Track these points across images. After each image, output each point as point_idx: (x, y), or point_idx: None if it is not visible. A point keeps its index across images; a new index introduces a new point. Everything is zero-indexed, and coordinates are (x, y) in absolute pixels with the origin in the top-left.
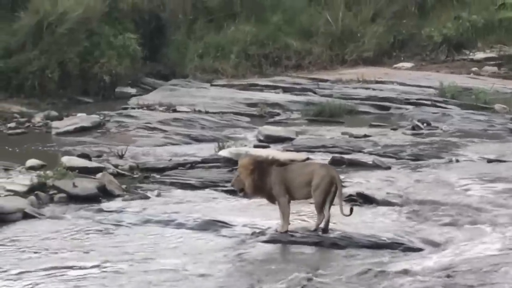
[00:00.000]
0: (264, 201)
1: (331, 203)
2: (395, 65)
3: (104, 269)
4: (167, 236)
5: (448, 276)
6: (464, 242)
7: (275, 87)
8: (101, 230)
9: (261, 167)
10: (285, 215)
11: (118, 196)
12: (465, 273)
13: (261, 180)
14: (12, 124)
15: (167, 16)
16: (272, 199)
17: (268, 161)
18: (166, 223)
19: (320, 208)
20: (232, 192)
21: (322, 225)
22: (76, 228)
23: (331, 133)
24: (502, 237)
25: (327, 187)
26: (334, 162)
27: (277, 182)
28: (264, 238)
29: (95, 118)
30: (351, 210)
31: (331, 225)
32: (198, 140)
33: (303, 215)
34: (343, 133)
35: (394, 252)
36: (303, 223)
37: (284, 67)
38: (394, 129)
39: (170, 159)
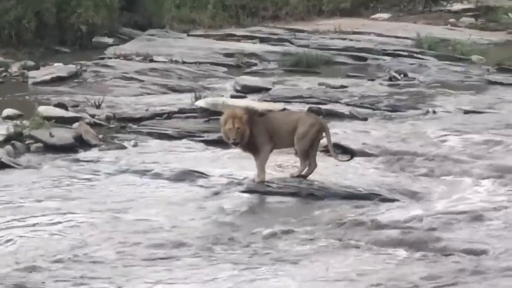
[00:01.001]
0: (240, 151)
1: (316, 151)
2: (372, 16)
3: (80, 219)
4: (144, 186)
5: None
6: (440, 193)
7: (252, 38)
8: (77, 180)
9: (251, 117)
10: (262, 165)
11: (95, 146)
12: (437, 226)
13: (250, 131)
14: None
15: None
16: (254, 150)
17: (252, 111)
18: (143, 173)
19: (306, 155)
20: (209, 143)
21: (304, 172)
22: (53, 177)
23: (308, 84)
24: (477, 189)
25: (316, 135)
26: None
27: (262, 131)
28: (240, 188)
29: (72, 68)
30: (352, 156)
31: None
32: (175, 90)
33: (279, 165)
34: (320, 84)
35: (370, 202)
36: (279, 174)
37: (261, 18)
38: (371, 80)
39: (147, 109)
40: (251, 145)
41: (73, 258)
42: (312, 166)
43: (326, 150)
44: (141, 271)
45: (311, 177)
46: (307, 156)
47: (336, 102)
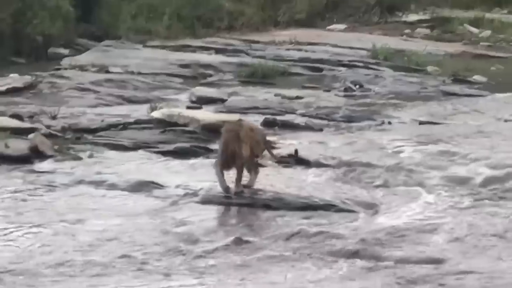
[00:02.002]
0: (196, 162)
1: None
2: (328, 27)
3: (34, 230)
4: (99, 197)
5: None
6: (395, 204)
7: (207, 48)
8: (32, 191)
9: None
10: (241, 174)
11: (51, 157)
12: (392, 237)
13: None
14: None
15: None
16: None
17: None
18: (99, 184)
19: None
20: (164, 153)
21: (247, 183)
22: (8, 188)
23: (264, 95)
24: (432, 199)
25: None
26: (267, 124)
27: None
28: (196, 199)
29: (27, 78)
30: (296, 151)
31: (263, 186)
32: (130, 101)
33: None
34: (275, 95)
35: (326, 213)
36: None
37: (217, 29)
38: (327, 91)
39: (103, 120)
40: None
41: (12, 270)
42: (251, 176)
43: (282, 161)
44: (82, 284)
45: (267, 187)
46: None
47: (292, 113)
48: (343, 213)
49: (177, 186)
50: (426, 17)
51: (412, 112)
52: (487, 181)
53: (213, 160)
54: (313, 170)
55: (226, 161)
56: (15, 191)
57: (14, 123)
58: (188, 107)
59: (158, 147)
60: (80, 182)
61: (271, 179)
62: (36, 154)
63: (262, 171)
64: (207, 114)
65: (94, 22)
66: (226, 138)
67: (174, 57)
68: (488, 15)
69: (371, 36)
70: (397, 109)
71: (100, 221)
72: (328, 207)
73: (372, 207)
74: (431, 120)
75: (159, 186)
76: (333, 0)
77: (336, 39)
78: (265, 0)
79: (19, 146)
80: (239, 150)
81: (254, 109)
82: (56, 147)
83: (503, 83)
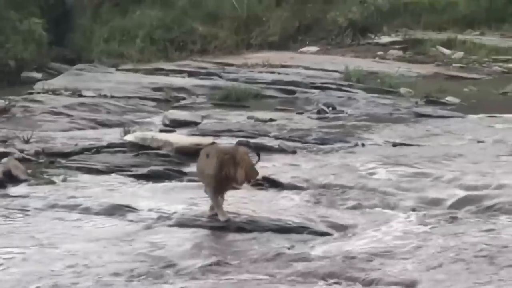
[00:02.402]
0: (169, 185)
1: None
2: (301, 49)
3: (6, 255)
4: (73, 221)
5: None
6: (368, 226)
7: (180, 72)
8: (6, 215)
9: None
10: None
11: (24, 181)
12: (366, 259)
13: None
14: None
15: (73, 0)
16: None
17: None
18: (72, 208)
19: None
20: (138, 177)
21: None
22: None
23: (237, 117)
24: (405, 221)
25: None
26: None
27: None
28: (170, 222)
29: (0, 103)
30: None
31: (237, 209)
32: (103, 124)
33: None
34: (248, 117)
35: (300, 236)
36: (203, 208)
37: (190, 52)
38: (300, 113)
39: (76, 144)
40: None
41: None
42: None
43: (255, 184)
44: None
45: (240, 210)
46: None
47: (265, 135)
48: (317, 235)
49: (151, 210)
50: (399, 39)
51: (385, 134)
52: (461, 203)
53: (188, 183)
54: (286, 193)
55: (220, 185)
56: None
57: None
58: (161, 130)
59: (131, 171)
60: (54, 206)
61: (244, 202)
62: (9, 179)
63: (235, 194)
64: (180, 137)
65: (66, 46)
66: (221, 161)
67: (147, 81)
68: (460, 37)
69: (344, 58)
70: (370, 131)
71: (73, 246)
72: (301, 229)
73: (345, 229)
74: (404, 141)
75: (132, 209)
76: (305, 23)
77: (309, 62)
78: (238, 23)
79: None
80: (234, 174)
81: (227, 132)
82: (29, 171)
83: (476, 104)
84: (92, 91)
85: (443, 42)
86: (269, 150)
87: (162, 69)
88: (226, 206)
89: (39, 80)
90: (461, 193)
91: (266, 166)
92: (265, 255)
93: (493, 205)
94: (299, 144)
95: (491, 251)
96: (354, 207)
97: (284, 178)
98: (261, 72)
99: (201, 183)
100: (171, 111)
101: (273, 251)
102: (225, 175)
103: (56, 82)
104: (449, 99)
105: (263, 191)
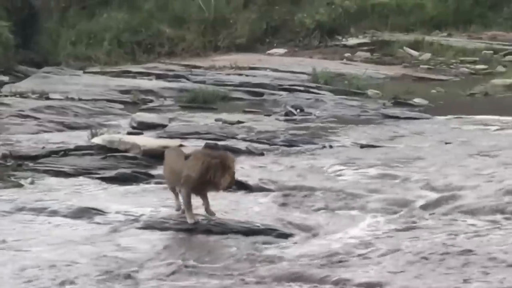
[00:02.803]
0: (137, 187)
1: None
2: (268, 52)
3: None
4: (41, 224)
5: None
6: (336, 227)
7: (148, 74)
8: None
9: None
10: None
11: None
12: (333, 260)
13: None
14: None
15: (40, 3)
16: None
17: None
18: (40, 211)
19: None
20: (106, 180)
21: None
22: None
23: (205, 120)
24: (373, 222)
25: None
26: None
27: None
28: (138, 224)
29: None
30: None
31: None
32: (71, 127)
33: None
34: (216, 120)
35: (267, 238)
36: (171, 210)
37: (157, 54)
38: (268, 115)
39: (44, 147)
40: None
41: None
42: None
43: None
44: None
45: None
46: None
47: (233, 137)
48: (285, 237)
49: (118, 212)
50: (366, 40)
51: (353, 136)
52: (428, 204)
53: (156, 186)
54: (254, 195)
55: (198, 187)
56: None
57: None
58: (129, 133)
59: (99, 173)
60: (22, 209)
61: (212, 204)
62: None
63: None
64: (148, 140)
65: (33, 49)
66: (208, 165)
67: (114, 83)
68: (427, 38)
69: (312, 60)
70: (338, 133)
71: (41, 248)
72: (269, 231)
73: (313, 231)
74: (372, 143)
75: (100, 212)
76: (273, 25)
77: (277, 64)
78: (205, 26)
79: None
80: (219, 179)
81: (195, 134)
82: None
83: (443, 105)
84: (60, 94)
85: (411, 44)
86: (237, 152)
87: (129, 72)
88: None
89: (6, 83)
90: (428, 195)
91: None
92: (233, 258)
93: (460, 206)
94: (267, 146)
95: (457, 252)
96: (321, 209)
97: (252, 180)
98: (228, 74)
99: (166, 185)
100: (138, 113)
101: (241, 254)
102: (209, 178)
103: (23, 85)
104: (417, 100)
105: (231, 193)
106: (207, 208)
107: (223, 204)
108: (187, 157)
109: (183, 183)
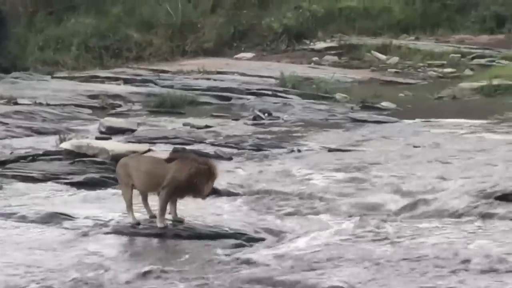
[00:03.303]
0: (105, 192)
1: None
2: (236, 56)
3: None
4: (9, 230)
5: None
6: (305, 231)
7: (116, 79)
8: None
9: None
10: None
11: None
12: (302, 264)
13: None
14: None
15: (7, 9)
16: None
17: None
18: (8, 216)
19: None
20: (74, 185)
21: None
22: None
23: (173, 124)
24: (342, 226)
25: None
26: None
27: None
28: (107, 229)
29: None
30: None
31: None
32: (39, 132)
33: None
34: (184, 124)
35: (236, 242)
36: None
37: (125, 59)
38: (236, 120)
39: (12, 152)
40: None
41: None
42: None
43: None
44: None
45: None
46: None
47: (201, 142)
48: (254, 241)
49: (87, 217)
50: (334, 44)
51: (321, 140)
52: (397, 208)
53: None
54: (223, 199)
55: (179, 192)
56: None
57: None
58: (97, 138)
59: (67, 178)
60: None
61: (180, 209)
62: None
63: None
64: (116, 145)
65: (1, 54)
66: (197, 170)
67: (82, 88)
68: (395, 42)
69: (279, 64)
70: (306, 137)
71: (9, 253)
72: (238, 235)
73: (282, 235)
74: (340, 147)
75: (69, 217)
76: (240, 29)
77: (244, 68)
78: (173, 30)
79: None
80: (202, 187)
81: (163, 139)
82: None
83: (411, 109)
84: (28, 99)
85: (378, 47)
86: (205, 156)
87: (97, 77)
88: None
89: None
90: (397, 198)
91: None
92: (202, 262)
93: (428, 209)
94: (235, 151)
95: (425, 256)
96: (290, 213)
97: (220, 185)
98: (196, 78)
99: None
100: (107, 118)
101: (210, 258)
102: (195, 184)
103: None
104: (385, 104)
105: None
106: (175, 216)
107: (192, 209)
108: (169, 160)
109: (166, 185)
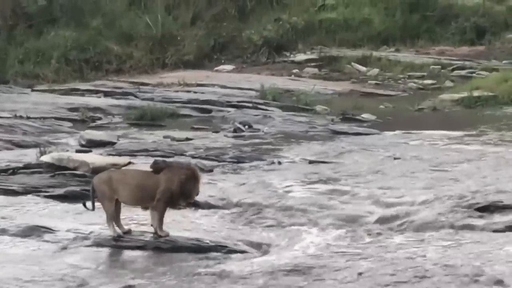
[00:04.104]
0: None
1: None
2: (216, 68)
3: None
4: None
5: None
6: (286, 244)
7: (96, 92)
8: None
9: None
10: None
11: None
12: (284, 277)
13: None
14: None
15: None
16: None
17: None
18: None
19: None
20: (55, 198)
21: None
22: None
23: (153, 137)
24: (324, 238)
25: None
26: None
27: None
28: (87, 242)
29: None
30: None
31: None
32: (20, 145)
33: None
34: (165, 137)
35: (217, 254)
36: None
37: (105, 71)
38: (216, 132)
39: None
40: None
41: None
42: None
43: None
44: None
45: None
46: None
47: (182, 154)
48: (235, 254)
49: (68, 230)
50: (314, 56)
51: (301, 152)
52: (377, 220)
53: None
54: (203, 212)
55: (174, 200)
56: None
57: None
58: (78, 151)
59: (48, 191)
60: None
61: (165, 222)
62: None
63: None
64: (96, 157)
65: None
66: (187, 176)
67: (62, 101)
68: (375, 54)
69: (259, 77)
70: (287, 149)
71: None
72: (219, 248)
73: (263, 248)
74: (321, 159)
75: (49, 230)
76: (220, 41)
77: (225, 80)
78: (153, 43)
79: None
80: (191, 191)
81: (144, 152)
82: None
83: (392, 121)
84: (8, 112)
85: (358, 59)
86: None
87: (77, 89)
88: (140, 227)
89: None
90: (378, 210)
91: None
92: (183, 275)
93: (409, 221)
94: (215, 163)
95: (405, 268)
96: (271, 226)
97: (200, 197)
98: (176, 91)
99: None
100: (87, 131)
101: (190, 271)
102: (187, 190)
103: None
104: (365, 116)
105: (179, 210)
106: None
107: (172, 221)
108: (157, 171)
109: (161, 196)
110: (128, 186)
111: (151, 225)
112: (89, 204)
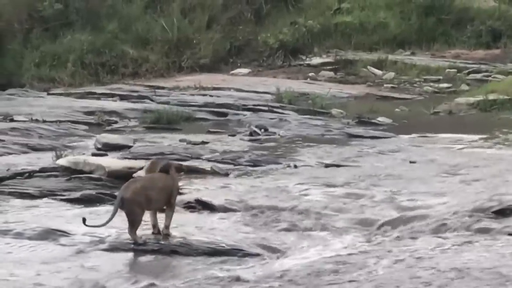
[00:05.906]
0: (102, 209)
1: None
2: (232, 72)
3: None
4: (5, 246)
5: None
6: (302, 247)
7: (112, 95)
8: None
9: None
10: None
11: None
12: (300, 281)
13: None
14: None
15: (3, 25)
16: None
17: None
18: (5, 233)
19: None
20: (71, 201)
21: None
22: None
23: (169, 140)
24: (340, 242)
25: None
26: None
27: None
28: (104, 246)
29: None
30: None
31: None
32: (36, 149)
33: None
34: (181, 140)
35: (233, 258)
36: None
37: (121, 75)
38: (232, 135)
39: (8, 169)
40: None
41: None
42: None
43: (188, 206)
44: None
45: (174, 233)
46: None
47: (198, 158)
48: (250, 258)
49: (84, 234)
50: (330, 59)
51: (317, 155)
52: (394, 223)
53: None
54: (219, 215)
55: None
56: None
57: None
58: (94, 154)
59: (64, 195)
60: None
61: (177, 225)
62: None
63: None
64: (112, 161)
65: None
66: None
67: (78, 104)
68: (391, 57)
69: (275, 80)
70: (302, 153)
71: (6, 270)
72: (235, 251)
73: (279, 251)
74: (337, 162)
75: (66, 234)
76: (236, 45)
77: (241, 84)
78: (168, 46)
79: None
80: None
81: (160, 155)
82: None
83: (407, 124)
84: (24, 116)
85: (374, 63)
86: (202, 172)
87: (93, 93)
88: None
89: None
90: (395, 213)
91: (198, 189)
92: (199, 279)
93: (425, 224)
94: (231, 166)
95: (424, 268)
96: (287, 229)
97: (216, 201)
98: (192, 94)
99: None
100: (103, 134)
101: (206, 274)
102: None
103: None
104: (381, 119)
105: (195, 214)
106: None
107: (188, 225)
108: (165, 170)
109: (175, 196)
110: (157, 190)
111: (166, 227)
112: (89, 222)
